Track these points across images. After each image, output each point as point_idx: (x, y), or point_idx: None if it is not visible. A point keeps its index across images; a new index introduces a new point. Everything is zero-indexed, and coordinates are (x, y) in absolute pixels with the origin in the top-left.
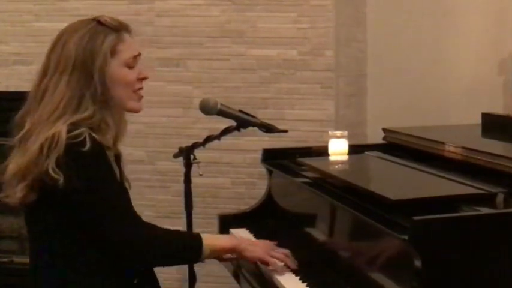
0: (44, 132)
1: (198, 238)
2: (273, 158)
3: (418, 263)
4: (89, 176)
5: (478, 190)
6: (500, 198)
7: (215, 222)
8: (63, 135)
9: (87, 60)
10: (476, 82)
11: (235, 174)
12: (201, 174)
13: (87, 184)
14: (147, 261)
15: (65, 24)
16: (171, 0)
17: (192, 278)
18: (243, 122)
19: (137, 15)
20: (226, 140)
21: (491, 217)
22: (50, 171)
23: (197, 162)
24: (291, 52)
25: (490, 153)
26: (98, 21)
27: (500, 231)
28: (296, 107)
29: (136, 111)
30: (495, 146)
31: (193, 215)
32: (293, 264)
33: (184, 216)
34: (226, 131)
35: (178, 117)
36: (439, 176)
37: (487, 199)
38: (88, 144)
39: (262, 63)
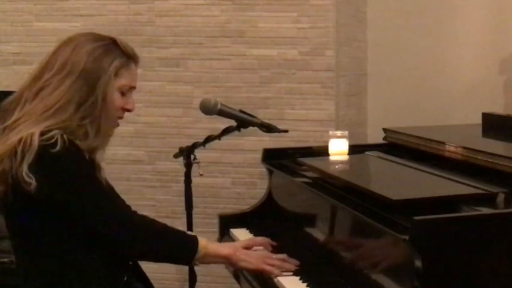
0: (27, 128)
1: (193, 237)
2: (273, 158)
3: (418, 263)
4: (64, 176)
5: (478, 190)
6: (500, 198)
7: (215, 222)
8: (36, 139)
9: (93, 74)
10: (477, 82)
11: (236, 174)
12: (201, 174)
13: (63, 185)
14: (138, 249)
15: (65, 24)
16: (171, 0)
17: (192, 278)
18: (243, 122)
19: (137, 15)
20: (227, 140)
21: (491, 217)
22: (24, 175)
23: (197, 162)
24: (292, 52)
25: (491, 153)
26: (114, 41)
27: (501, 231)
28: (296, 106)
29: (109, 135)
30: (495, 146)
31: (194, 215)
32: (292, 265)
33: (184, 216)
34: (226, 131)
35: (179, 117)
36: (440, 176)
37: (488, 199)
38: (59, 145)
39: (263, 63)
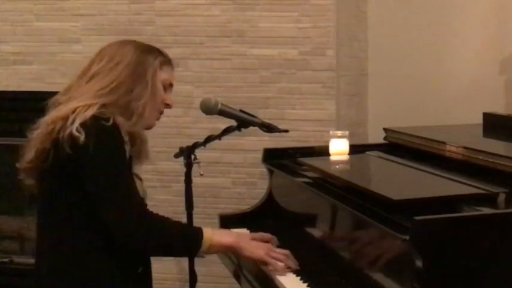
0: (83, 101)
1: (198, 230)
2: (273, 158)
3: (419, 263)
4: (104, 147)
5: (479, 190)
6: (501, 198)
7: (216, 222)
8: (94, 110)
9: (141, 65)
10: (478, 82)
11: (236, 174)
12: (201, 174)
13: (100, 153)
14: (143, 244)
15: (65, 24)
16: (171, 0)
17: (193, 278)
18: (243, 121)
19: (138, 14)
20: (227, 139)
21: (492, 217)
22: (74, 130)
23: (198, 162)
24: (292, 52)
25: (491, 153)
26: (155, 48)
27: (502, 231)
28: (297, 106)
29: (149, 127)
30: (496, 146)
31: (194, 215)
32: (294, 264)
33: (185, 216)
34: (227, 131)
35: (179, 117)
36: (440, 176)
37: (488, 199)
38: (111, 121)
39: (263, 63)
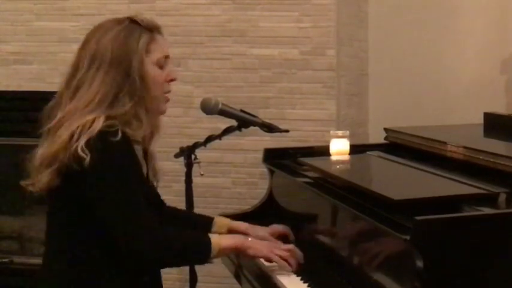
0: (76, 122)
1: (206, 239)
2: (274, 158)
3: (419, 263)
4: (111, 165)
5: (480, 190)
6: (502, 198)
7: None
8: (100, 123)
9: (123, 58)
10: (478, 81)
11: (236, 174)
12: (202, 174)
13: (107, 172)
14: (155, 263)
15: (65, 24)
16: (171, 0)
17: (193, 278)
18: (244, 121)
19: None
20: (228, 139)
21: (493, 217)
22: (79, 150)
23: (198, 162)
24: (293, 51)
25: (492, 153)
26: (132, 20)
27: (503, 231)
28: (297, 106)
29: (161, 113)
30: (497, 146)
31: None
32: (300, 258)
33: None
34: (227, 131)
35: (179, 117)
36: (441, 176)
37: (489, 199)
38: (119, 136)
39: (264, 63)
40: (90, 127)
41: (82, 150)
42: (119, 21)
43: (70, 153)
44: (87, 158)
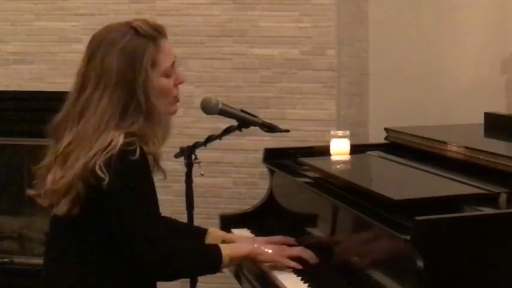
0: (87, 147)
1: (217, 251)
2: (274, 158)
3: (420, 263)
4: (130, 186)
5: (480, 190)
6: (502, 198)
7: (216, 223)
8: (120, 141)
9: (129, 76)
10: (479, 81)
11: (237, 174)
12: (202, 174)
13: (126, 192)
14: (168, 277)
15: (65, 23)
16: None
17: (194, 278)
18: (244, 121)
19: (138, 14)
20: (228, 139)
21: (493, 217)
22: (97, 169)
23: (198, 162)
24: (293, 51)
25: (493, 153)
26: (135, 30)
27: (503, 232)
28: (298, 106)
29: (172, 114)
30: (498, 146)
31: (195, 215)
32: (312, 259)
33: (185, 216)
34: (227, 131)
35: (179, 117)
36: (442, 176)
37: (490, 199)
38: (137, 154)
39: (264, 63)
40: (109, 145)
41: (100, 169)
42: (123, 33)
43: (87, 171)
44: (106, 179)
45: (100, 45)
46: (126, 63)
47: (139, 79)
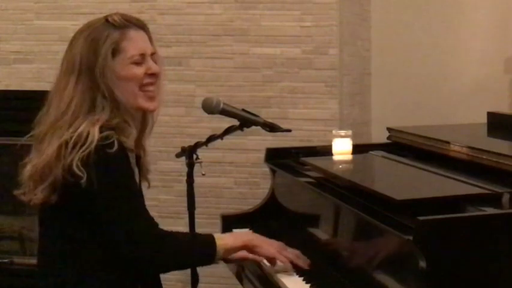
0: (58, 132)
1: (211, 240)
2: (276, 158)
3: (422, 263)
4: (110, 180)
5: (483, 190)
6: (506, 198)
7: (218, 223)
8: (96, 136)
9: (90, 62)
10: (482, 81)
11: (238, 174)
12: (203, 174)
13: (106, 187)
14: (161, 267)
15: (66, 23)
16: None
17: (195, 278)
18: (246, 121)
19: (139, 13)
20: (229, 139)
21: (496, 217)
22: (74, 167)
23: (200, 162)
24: (295, 51)
25: (496, 152)
26: (106, 20)
27: (506, 232)
28: (300, 106)
29: (147, 109)
30: (501, 146)
31: (196, 215)
32: (305, 264)
33: (186, 216)
34: (229, 131)
35: (181, 117)
36: (444, 176)
37: (493, 199)
38: (115, 147)
39: (266, 62)
40: (86, 139)
41: (78, 167)
42: (94, 22)
43: (64, 168)
44: (84, 177)
45: (76, 33)
46: (88, 49)
47: (98, 65)
